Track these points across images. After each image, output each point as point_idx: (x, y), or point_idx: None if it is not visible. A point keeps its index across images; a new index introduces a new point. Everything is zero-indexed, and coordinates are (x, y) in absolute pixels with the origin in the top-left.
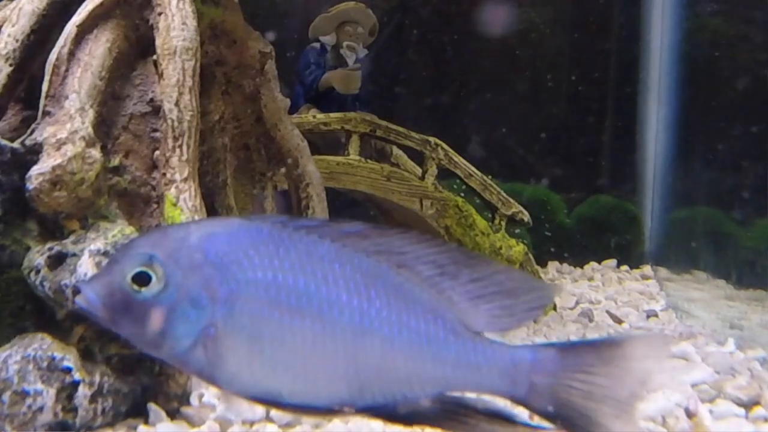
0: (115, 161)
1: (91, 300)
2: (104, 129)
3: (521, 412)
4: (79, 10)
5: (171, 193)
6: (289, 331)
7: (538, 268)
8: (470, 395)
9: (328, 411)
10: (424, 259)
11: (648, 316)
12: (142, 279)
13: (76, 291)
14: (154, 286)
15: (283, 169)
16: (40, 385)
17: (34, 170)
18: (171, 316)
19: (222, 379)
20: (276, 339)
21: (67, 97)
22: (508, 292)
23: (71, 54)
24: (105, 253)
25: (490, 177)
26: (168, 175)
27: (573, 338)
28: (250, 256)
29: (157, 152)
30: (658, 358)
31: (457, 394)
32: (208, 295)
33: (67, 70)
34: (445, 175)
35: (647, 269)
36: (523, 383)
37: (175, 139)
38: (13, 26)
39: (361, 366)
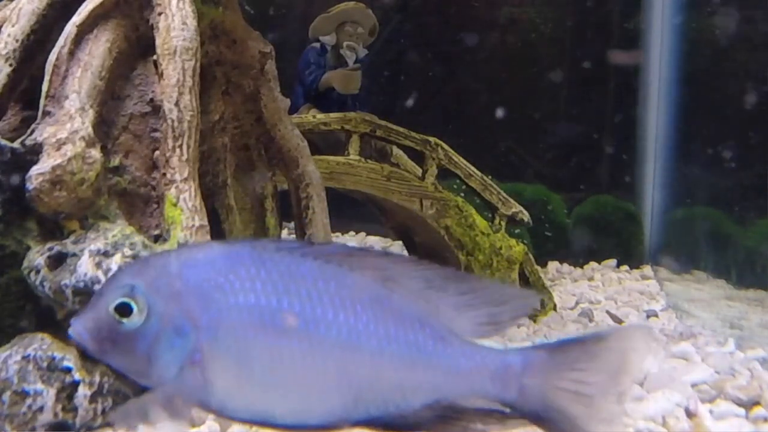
0: (115, 161)
1: (80, 333)
2: (104, 129)
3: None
4: (79, 10)
5: (171, 193)
6: (276, 352)
7: (538, 268)
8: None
9: (322, 428)
10: (411, 275)
11: (648, 316)
12: (124, 310)
13: (76, 291)
14: (136, 316)
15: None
16: (40, 385)
17: (34, 170)
18: (156, 345)
19: (213, 403)
20: (263, 361)
21: (67, 97)
22: (495, 302)
23: (71, 54)
24: (105, 253)
25: (490, 177)
26: (168, 175)
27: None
28: (231, 281)
29: (157, 152)
30: (642, 348)
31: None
32: (190, 323)
33: (67, 70)
34: (445, 175)
35: (647, 269)
36: (514, 386)
37: (175, 139)
38: (13, 26)
39: (352, 381)
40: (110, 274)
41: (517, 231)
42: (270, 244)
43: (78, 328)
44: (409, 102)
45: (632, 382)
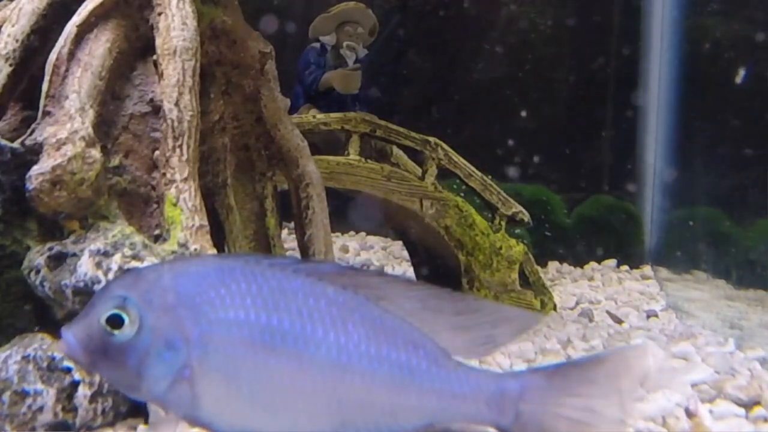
0: (115, 161)
1: (70, 344)
2: (104, 129)
3: None
4: (79, 10)
5: (171, 193)
6: (265, 369)
7: (538, 268)
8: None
9: None
10: (406, 294)
11: (648, 316)
12: (115, 322)
13: (76, 291)
14: (127, 328)
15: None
16: (40, 385)
17: (34, 170)
18: (146, 358)
19: (202, 419)
20: (252, 378)
21: (67, 97)
22: (493, 323)
23: (71, 54)
24: (105, 253)
25: (490, 177)
26: (168, 175)
27: (573, 338)
28: (222, 296)
29: (157, 152)
30: (640, 370)
31: (443, 423)
32: (181, 337)
33: (67, 70)
34: (445, 175)
35: (647, 269)
36: (510, 412)
37: (175, 139)
38: (13, 26)
39: (342, 401)
40: (110, 274)
41: (517, 231)
42: (263, 260)
43: (68, 338)
44: (409, 102)
45: (633, 403)
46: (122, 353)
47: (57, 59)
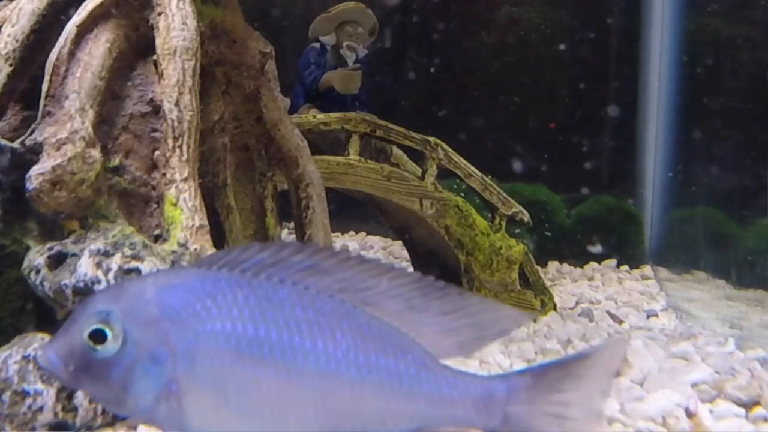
0: (115, 161)
1: (51, 361)
2: (104, 129)
3: None
4: (79, 10)
5: (171, 193)
6: (253, 381)
7: (538, 268)
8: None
9: None
10: (391, 294)
11: (648, 316)
12: (98, 337)
13: (76, 291)
14: (111, 343)
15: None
16: (40, 385)
17: (34, 170)
18: (131, 373)
19: None
20: (240, 390)
21: (67, 97)
22: (479, 324)
23: (71, 54)
24: (105, 253)
25: (490, 177)
26: (168, 175)
27: (573, 338)
28: (208, 307)
29: (157, 152)
30: (618, 363)
31: (432, 428)
32: (167, 350)
33: (67, 70)
34: (445, 175)
35: (647, 269)
36: (497, 414)
37: (175, 139)
38: (13, 26)
39: (331, 410)
40: (110, 274)
41: (517, 231)
42: (247, 261)
43: (49, 355)
44: (409, 102)
45: (607, 399)
46: (106, 369)
47: (57, 59)
